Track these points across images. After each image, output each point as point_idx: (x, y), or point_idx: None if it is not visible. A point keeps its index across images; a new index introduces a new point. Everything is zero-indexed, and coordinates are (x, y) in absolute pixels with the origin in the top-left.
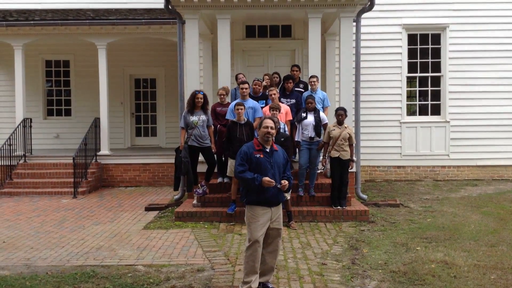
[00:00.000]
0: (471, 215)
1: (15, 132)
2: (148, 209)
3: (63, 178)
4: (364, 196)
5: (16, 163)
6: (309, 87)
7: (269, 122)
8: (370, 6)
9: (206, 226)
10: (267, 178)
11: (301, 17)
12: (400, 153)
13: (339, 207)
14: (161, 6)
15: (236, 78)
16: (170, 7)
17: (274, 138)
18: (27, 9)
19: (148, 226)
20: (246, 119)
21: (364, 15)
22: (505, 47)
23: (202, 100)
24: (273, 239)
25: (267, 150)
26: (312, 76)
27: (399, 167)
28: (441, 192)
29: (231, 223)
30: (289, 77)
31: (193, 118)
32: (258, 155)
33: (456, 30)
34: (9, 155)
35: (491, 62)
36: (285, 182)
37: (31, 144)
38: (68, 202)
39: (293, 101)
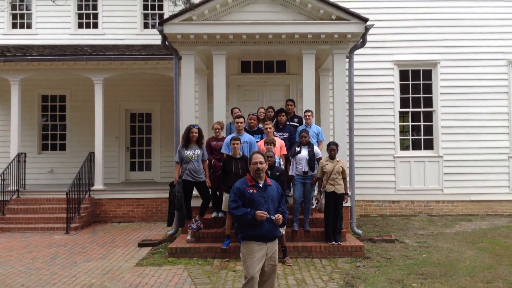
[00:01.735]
0: (466, 251)
1: (9, 167)
2: (141, 245)
3: (56, 214)
4: (359, 231)
5: (9, 198)
6: (304, 121)
7: (258, 157)
8: (362, 43)
9: (200, 263)
10: (259, 211)
11: (295, 53)
12: (395, 188)
13: (334, 242)
14: (158, 42)
15: (232, 112)
16: (167, 43)
17: (269, 172)
18: (25, 45)
19: (141, 263)
20: (241, 154)
21: (357, 51)
22: (496, 82)
23: (197, 135)
24: (268, 276)
25: (260, 185)
26: (307, 111)
27: (393, 201)
28: (436, 227)
29: (225, 259)
30: (281, 110)
31: (188, 153)
32: (251, 191)
33: (447, 66)
34: (2, 190)
35: (483, 97)
36: (278, 216)
37: (25, 179)
38: (60, 238)
39: (286, 134)
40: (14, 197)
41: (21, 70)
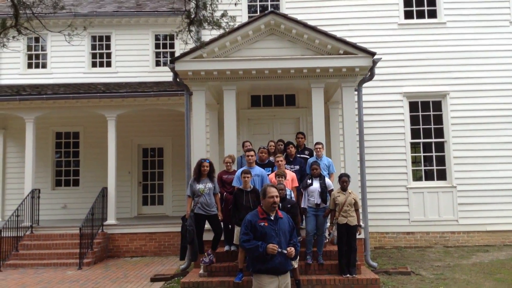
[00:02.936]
0: (484, 282)
1: (23, 203)
2: (154, 280)
3: (69, 249)
4: (374, 264)
5: (23, 234)
6: (314, 153)
7: (273, 191)
8: (370, 76)
9: None
10: (271, 245)
11: (304, 87)
12: (409, 219)
13: (348, 275)
14: (169, 79)
15: (243, 146)
16: (178, 79)
17: (280, 205)
18: (40, 84)
19: None
20: (252, 187)
21: (366, 84)
22: (506, 112)
23: (208, 168)
24: None
25: (272, 218)
26: (317, 143)
27: (408, 233)
28: (452, 258)
29: None
30: (289, 143)
31: (200, 186)
32: (262, 223)
33: (457, 97)
34: (16, 226)
35: (494, 127)
36: (291, 249)
37: (38, 215)
38: (73, 274)
39: (297, 167)
40: (28, 233)
41: (36, 108)
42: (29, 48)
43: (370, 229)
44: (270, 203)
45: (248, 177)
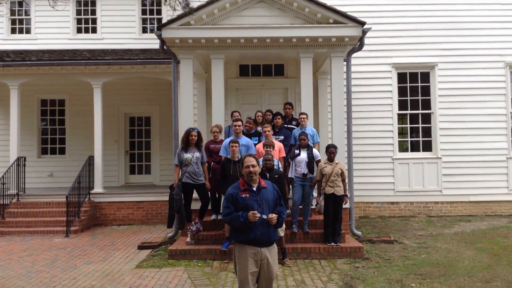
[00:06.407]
0: (465, 251)
1: (8, 171)
2: (141, 247)
3: (56, 217)
4: (358, 233)
5: (9, 202)
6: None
7: (250, 161)
8: (359, 46)
9: (199, 264)
10: (251, 212)
11: (293, 57)
12: (393, 189)
13: (333, 243)
14: (156, 46)
15: (231, 116)
16: (165, 47)
17: (268, 175)
18: (24, 49)
19: (140, 265)
20: (239, 156)
21: (354, 54)
22: (493, 84)
23: (196, 138)
24: (266, 282)
25: (254, 188)
26: (301, 113)
27: (392, 203)
28: (435, 228)
29: (225, 261)
30: (277, 114)
31: (187, 155)
32: (244, 195)
33: (445, 68)
34: (2, 193)
35: (481, 99)
36: (272, 215)
37: (24, 182)
38: (60, 241)
39: (282, 137)
40: (14, 200)
41: (20, 75)
42: (12, 12)
43: (356, 199)
44: (246, 173)
45: (236, 147)
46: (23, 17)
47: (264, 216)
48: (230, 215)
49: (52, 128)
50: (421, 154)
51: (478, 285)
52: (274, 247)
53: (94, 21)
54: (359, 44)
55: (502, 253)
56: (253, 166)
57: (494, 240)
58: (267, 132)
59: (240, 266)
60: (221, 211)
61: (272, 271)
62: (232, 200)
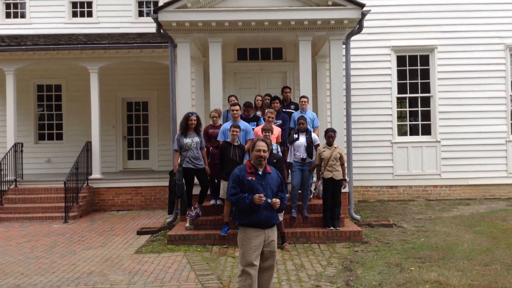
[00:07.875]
0: (464, 234)
1: (6, 157)
2: (140, 233)
3: (54, 203)
4: (358, 217)
5: (6, 188)
6: (300, 107)
7: (261, 145)
8: (358, 29)
9: (199, 249)
10: (257, 195)
11: (292, 40)
12: (392, 173)
13: (332, 228)
14: (153, 30)
15: (228, 100)
16: (162, 31)
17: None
18: (19, 34)
19: (140, 250)
20: (239, 141)
21: (354, 37)
22: (493, 67)
23: (195, 122)
24: (267, 263)
25: (260, 172)
26: (302, 97)
27: (391, 187)
28: (434, 211)
29: (224, 246)
30: (275, 98)
31: (187, 140)
32: (250, 178)
33: (444, 51)
34: (0, 180)
35: (480, 82)
36: (276, 200)
37: (22, 169)
38: (59, 227)
39: (280, 122)
40: (12, 187)
41: (16, 60)
42: None
43: (354, 183)
44: (256, 156)
45: (236, 131)
46: (18, 1)
47: (269, 200)
48: (236, 196)
49: (49, 114)
50: (420, 138)
51: (477, 268)
52: (275, 229)
53: (89, 4)
54: (358, 26)
55: (501, 236)
56: (264, 151)
57: (493, 223)
58: (270, 119)
59: (245, 249)
60: (226, 191)
61: (275, 251)
62: (238, 181)
